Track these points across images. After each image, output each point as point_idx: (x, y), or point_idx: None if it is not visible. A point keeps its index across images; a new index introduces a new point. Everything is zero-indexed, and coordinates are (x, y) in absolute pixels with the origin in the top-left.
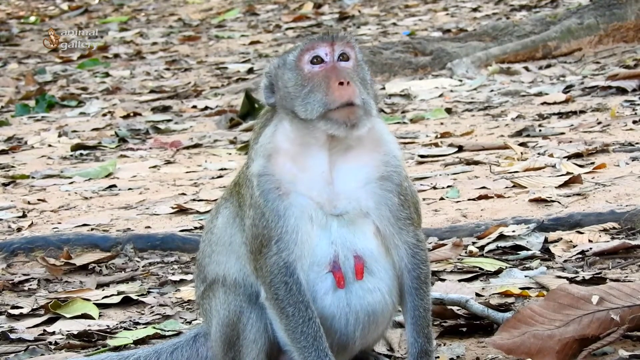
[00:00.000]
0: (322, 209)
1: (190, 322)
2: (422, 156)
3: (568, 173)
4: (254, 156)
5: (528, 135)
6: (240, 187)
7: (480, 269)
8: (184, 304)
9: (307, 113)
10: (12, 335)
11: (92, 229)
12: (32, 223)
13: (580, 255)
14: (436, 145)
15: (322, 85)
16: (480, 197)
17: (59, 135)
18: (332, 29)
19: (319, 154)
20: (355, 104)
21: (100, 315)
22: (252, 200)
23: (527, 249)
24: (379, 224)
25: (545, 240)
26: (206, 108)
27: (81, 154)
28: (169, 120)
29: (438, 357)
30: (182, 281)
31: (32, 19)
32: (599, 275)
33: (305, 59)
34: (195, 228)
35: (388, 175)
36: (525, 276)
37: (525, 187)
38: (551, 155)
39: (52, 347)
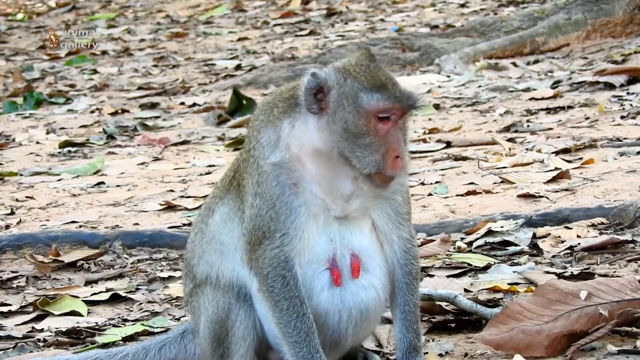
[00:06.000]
0: (329, 211)
1: (178, 319)
2: (410, 152)
3: (556, 168)
4: (270, 145)
5: (516, 131)
6: (240, 178)
7: (469, 264)
8: (172, 301)
9: (359, 165)
10: (1, 333)
11: (80, 226)
12: (20, 220)
13: (568, 251)
14: (424, 141)
15: (381, 148)
16: (468, 193)
17: (47, 133)
18: (397, 86)
19: (345, 181)
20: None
21: (88, 312)
22: (261, 189)
23: (516, 245)
24: (377, 220)
25: (534, 236)
26: (194, 105)
27: (69, 151)
28: (157, 117)
29: (427, 352)
30: (170, 278)
31: (20, 16)
32: (588, 271)
33: (374, 112)
34: (184, 225)
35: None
36: (514, 272)
37: (514, 183)
38: (539, 151)
39: (41, 344)
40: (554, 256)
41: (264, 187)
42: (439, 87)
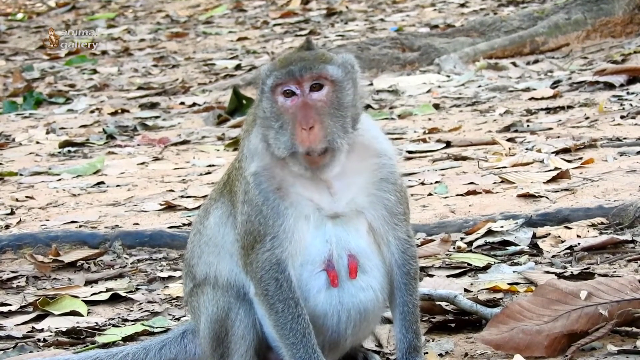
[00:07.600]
0: (319, 210)
1: (178, 319)
2: (410, 152)
3: (556, 168)
4: (250, 155)
5: (516, 131)
6: (232, 184)
7: (469, 264)
8: (172, 301)
9: (276, 151)
10: (1, 333)
11: (80, 226)
12: (20, 220)
13: (568, 251)
14: (424, 140)
15: (290, 125)
16: (468, 193)
17: (47, 133)
18: (301, 59)
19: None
20: (317, 151)
21: (88, 312)
22: (247, 196)
23: (516, 245)
24: (373, 222)
25: (534, 236)
26: (194, 104)
27: (69, 151)
28: (156, 117)
29: (427, 352)
30: (170, 278)
31: (20, 15)
32: (587, 271)
33: (277, 91)
34: (184, 225)
35: (385, 177)
36: (514, 271)
37: (514, 183)
38: (539, 151)
39: (41, 344)
40: (554, 256)
41: (250, 195)
42: (439, 87)
